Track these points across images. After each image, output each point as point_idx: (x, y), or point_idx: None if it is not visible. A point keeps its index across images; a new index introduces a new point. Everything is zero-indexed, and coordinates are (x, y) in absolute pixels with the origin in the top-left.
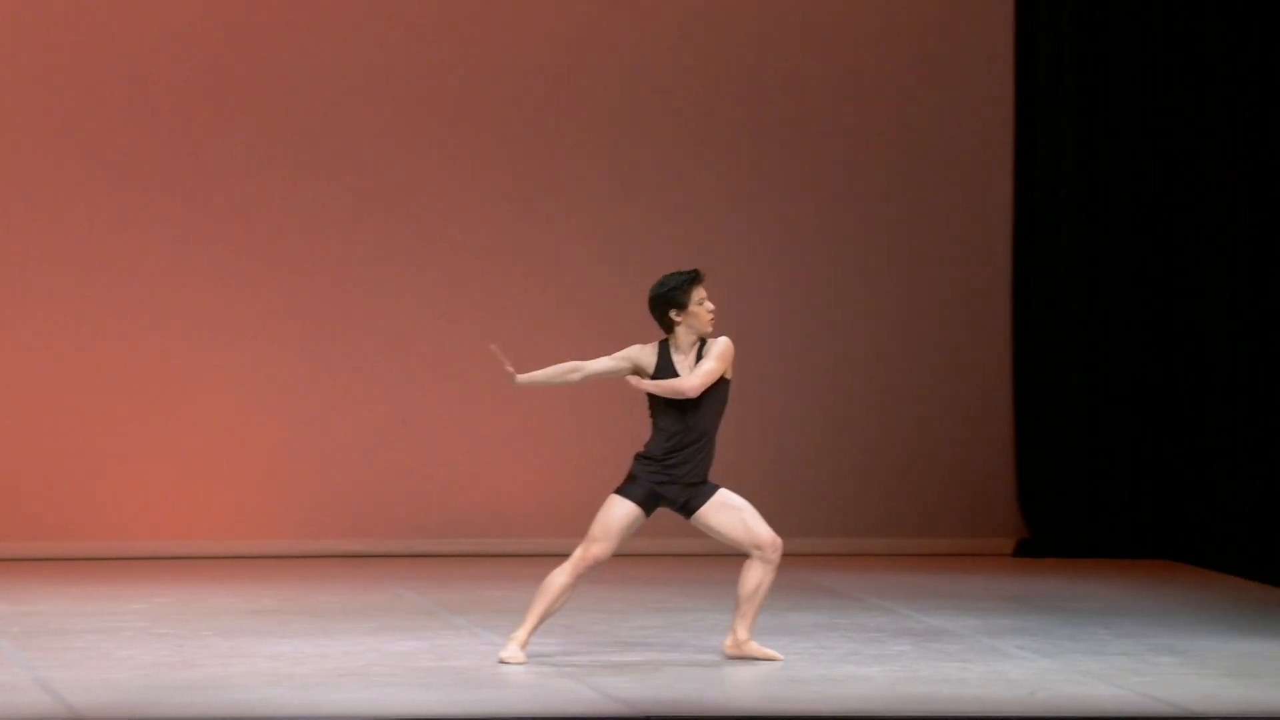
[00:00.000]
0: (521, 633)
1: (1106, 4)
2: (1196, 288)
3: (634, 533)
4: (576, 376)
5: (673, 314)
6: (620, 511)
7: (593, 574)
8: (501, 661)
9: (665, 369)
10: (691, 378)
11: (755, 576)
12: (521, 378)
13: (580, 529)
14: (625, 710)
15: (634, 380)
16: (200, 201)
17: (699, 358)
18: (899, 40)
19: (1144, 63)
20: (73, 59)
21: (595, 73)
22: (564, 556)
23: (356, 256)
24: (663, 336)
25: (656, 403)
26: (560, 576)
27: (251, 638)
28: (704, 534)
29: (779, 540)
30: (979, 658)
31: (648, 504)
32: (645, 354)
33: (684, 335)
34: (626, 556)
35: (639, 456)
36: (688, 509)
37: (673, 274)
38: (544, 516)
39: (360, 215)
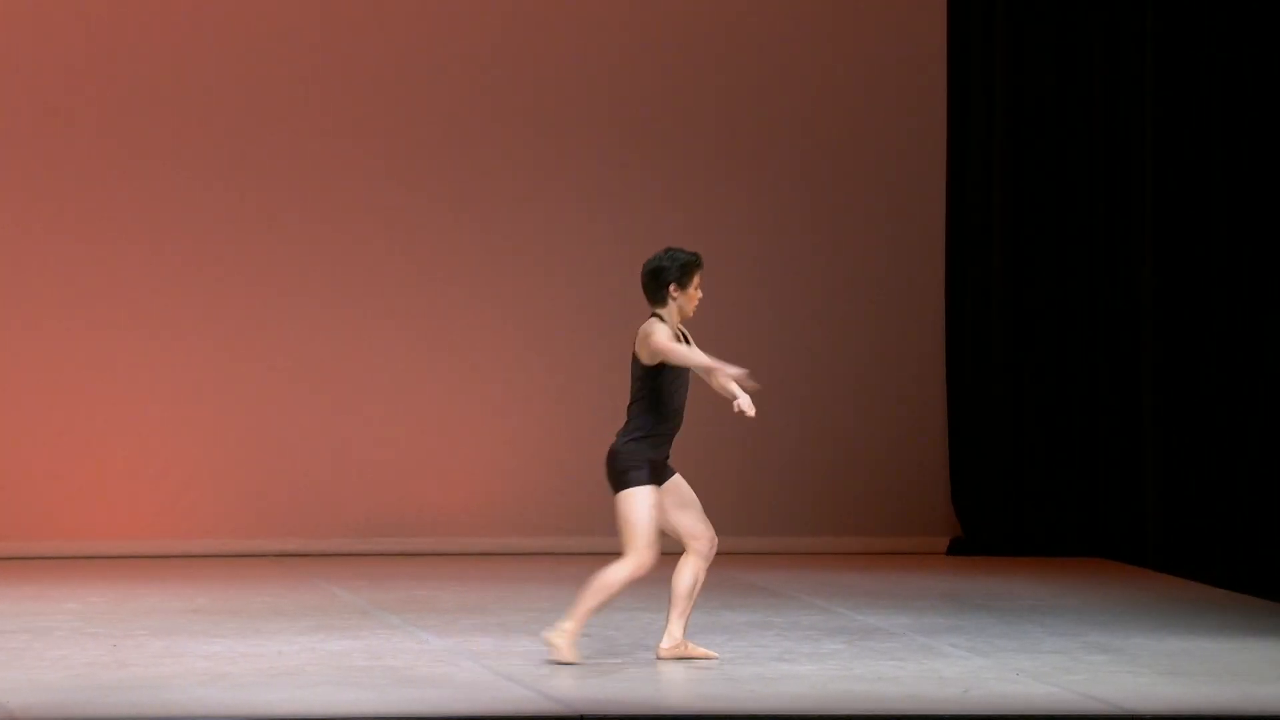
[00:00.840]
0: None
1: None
2: (1127, 284)
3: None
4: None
5: (672, 288)
6: (651, 503)
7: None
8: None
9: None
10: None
11: (690, 572)
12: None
13: (512, 527)
14: (561, 710)
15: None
16: (127, 201)
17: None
18: (834, 35)
19: (1075, 58)
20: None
21: (531, 62)
22: (500, 555)
23: (285, 255)
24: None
25: (668, 378)
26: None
27: (185, 637)
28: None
29: (716, 537)
30: (913, 656)
31: (659, 478)
32: (667, 328)
33: (672, 314)
34: (559, 555)
35: (634, 440)
36: (659, 480)
37: (680, 250)
38: (476, 516)
39: (289, 213)
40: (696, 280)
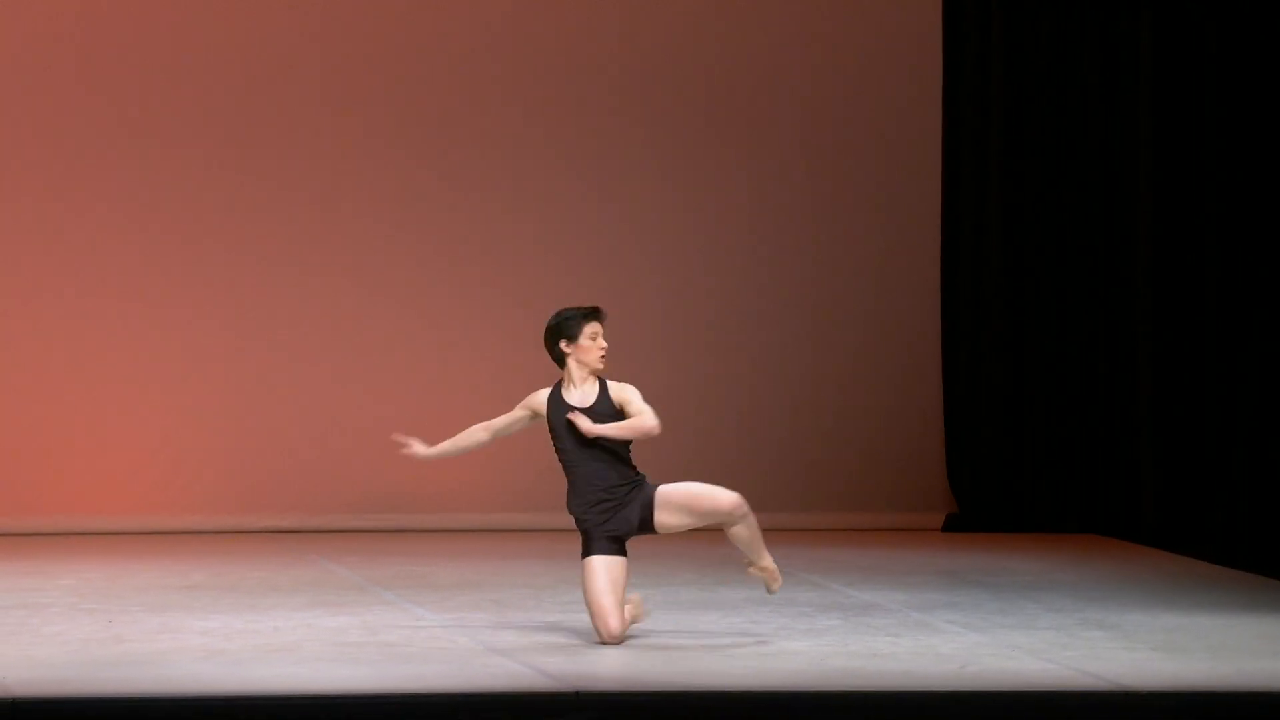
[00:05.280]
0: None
1: None
2: (1124, 261)
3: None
4: (485, 435)
5: (563, 344)
6: (601, 574)
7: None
8: None
9: (558, 407)
10: (651, 416)
11: (743, 532)
12: (428, 451)
13: (509, 503)
14: (555, 685)
15: (587, 426)
16: (124, 177)
17: (602, 399)
18: (831, 12)
19: (1071, 41)
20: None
21: (532, 42)
22: (496, 531)
23: (281, 231)
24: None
25: (581, 449)
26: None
27: (181, 613)
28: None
29: (737, 496)
30: (909, 632)
31: (618, 550)
32: (540, 398)
33: (575, 370)
34: (555, 531)
35: (578, 515)
36: (646, 527)
37: (568, 308)
38: (472, 491)
39: (285, 189)
40: (588, 331)
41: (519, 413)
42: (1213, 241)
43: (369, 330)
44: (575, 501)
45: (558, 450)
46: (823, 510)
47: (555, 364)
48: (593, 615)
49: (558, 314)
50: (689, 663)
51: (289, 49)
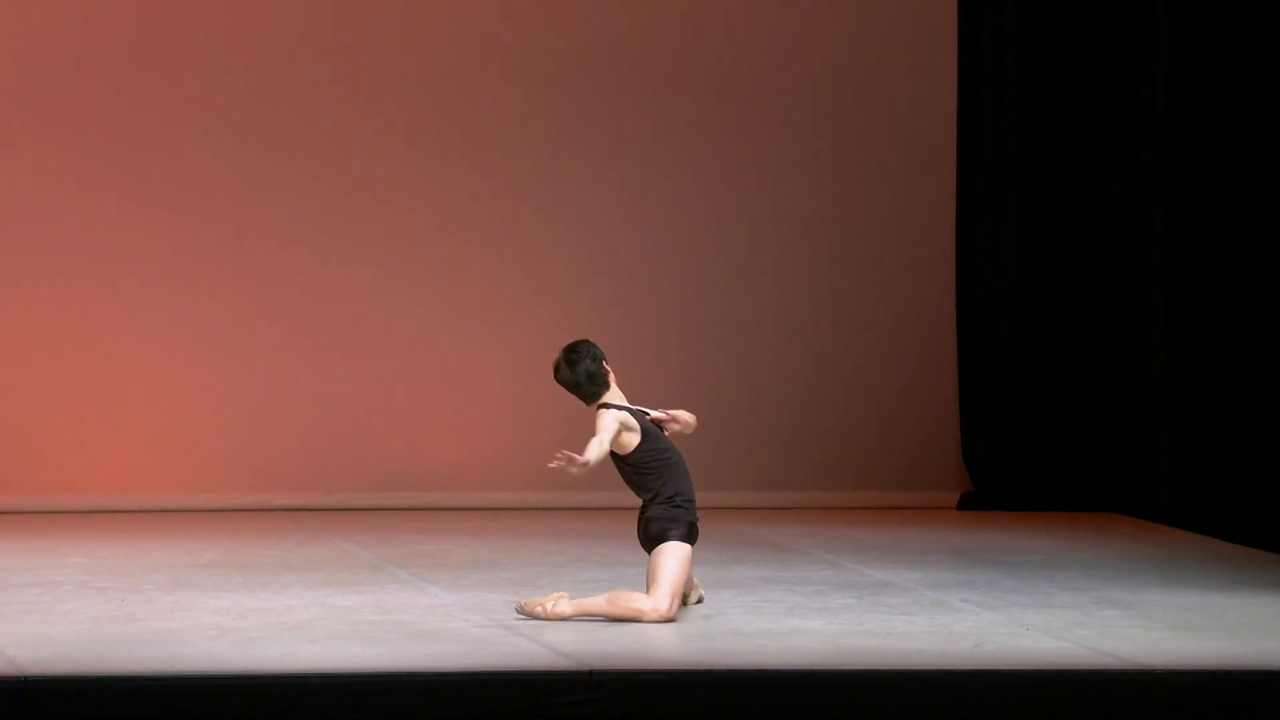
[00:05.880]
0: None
1: None
2: (1140, 237)
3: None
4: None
5: (605, 365)
6: (688, 560)
7: None
8: None
9: (637, 414)
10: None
11: (635, 601)
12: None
13: (523, 481)
14: (570, 664)
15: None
16: (134, 155)
17: None
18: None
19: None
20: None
21: (539, 30)
22: (510, 510)
23: (294, 209)
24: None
25: (671, 441)
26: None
27: (194, 592)
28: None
29: (655, 608)
30: (923, 611)
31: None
32: (623, 415)
33: (617, 390)
34: (570, 510)
35: (671, 502)
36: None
37: (572, 346)
38: (487, 470)
39: (299, 167)
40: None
41: (629, 436)
42: (1231, 218)
43: (387, 308)
44: (672, 487)
45: (650, 451)
46: (837, 488)
47: (586, 399)
48: (662, 592)
49: (576, 352)
50: (703, 642)
51: (305, 27)
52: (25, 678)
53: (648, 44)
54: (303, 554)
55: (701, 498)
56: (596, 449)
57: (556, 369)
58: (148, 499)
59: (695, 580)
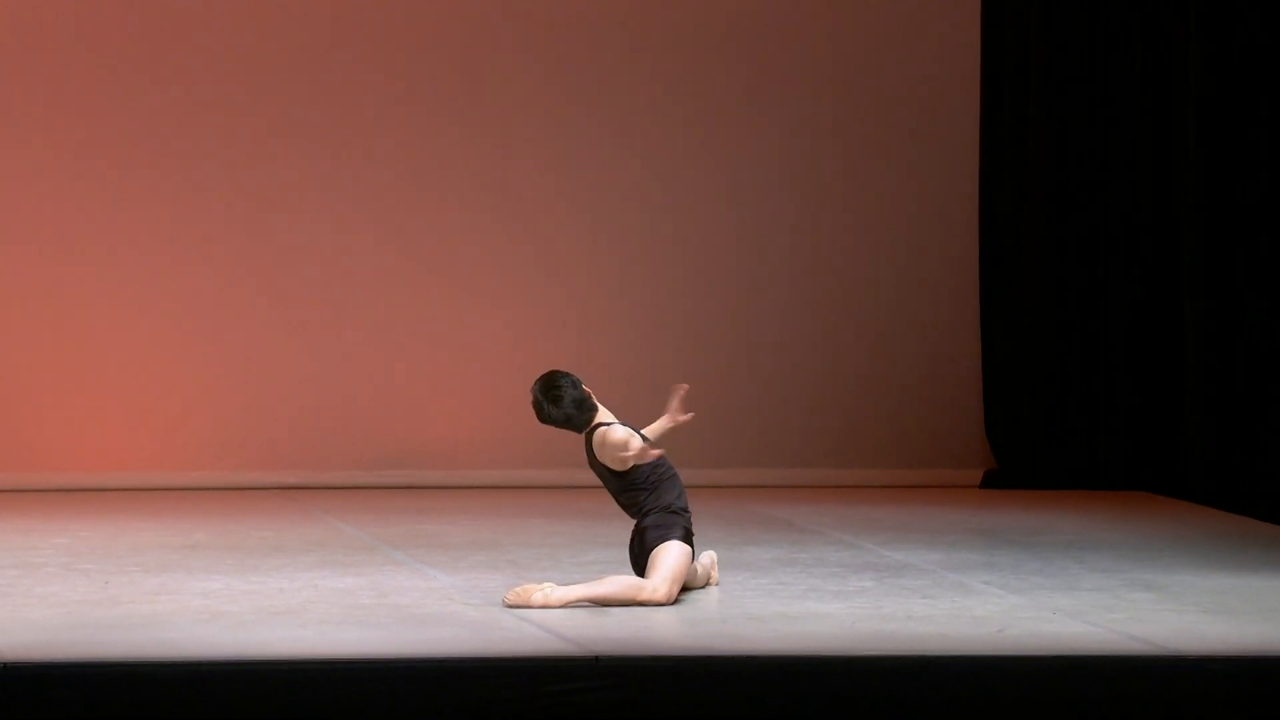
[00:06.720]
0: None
1: None
2: (1170, 210)
3: None
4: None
5: (585, 389)
6: (687, 555)
7: None
8: None
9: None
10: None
11: (627, 584)
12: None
13: (524, 460)
14: (573, 649)
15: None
16: (121, 126)
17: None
18: None
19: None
20: None
21: (553, 10)
22: (505, 488)
23: (289, 182)
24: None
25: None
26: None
27: (181, 574)
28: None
29: (656, 592)
30: (944, 594)
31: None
32: (629, 430)
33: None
34: (572, 488)
35: (667, 509)
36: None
37: (548, 377)
38: (485, 448)
39: (294, 139)
40: None
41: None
42: (1265, 190)
43: (383, 284)
44: (667, 497)
45: (649, 467)
46: (856, 466)
47: (581, 427)
48: (661, 575)
49: (555, 384)
50: (713, 626)
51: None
52: (4, 664)
53: (667, 29)
54: (296, 534)
55: (714, 475)
56: (639, 443)
57: (539, 410)
58: (134, 477)
59: (711, 565)
